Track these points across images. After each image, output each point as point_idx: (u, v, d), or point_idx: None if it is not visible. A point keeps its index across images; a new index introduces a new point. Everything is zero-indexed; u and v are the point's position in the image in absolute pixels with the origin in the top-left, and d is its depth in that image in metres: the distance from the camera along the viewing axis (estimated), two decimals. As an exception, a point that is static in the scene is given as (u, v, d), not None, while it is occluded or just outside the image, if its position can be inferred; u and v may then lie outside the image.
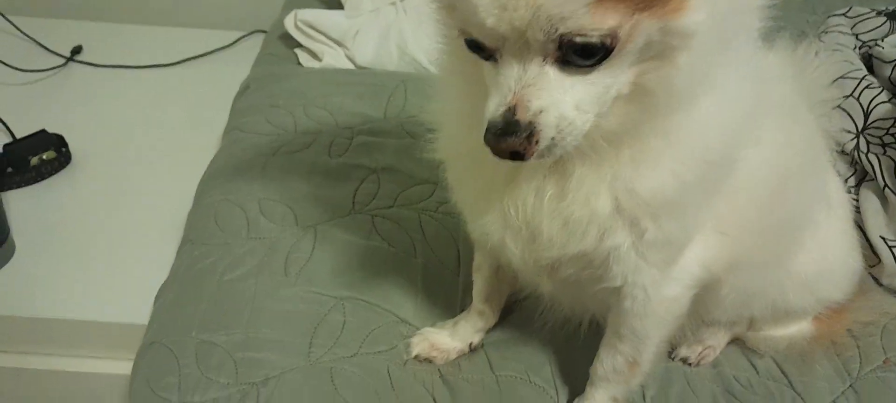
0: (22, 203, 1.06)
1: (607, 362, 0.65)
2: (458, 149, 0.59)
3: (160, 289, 0.81)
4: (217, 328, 0.72)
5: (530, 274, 0.62)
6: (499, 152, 0.45)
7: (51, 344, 0.92)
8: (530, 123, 0.43)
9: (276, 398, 0.66)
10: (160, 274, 0.83)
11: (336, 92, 1.05)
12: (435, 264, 0.81)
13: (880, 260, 0.83)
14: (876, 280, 0.84)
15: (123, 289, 0.91)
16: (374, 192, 0.88)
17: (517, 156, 0.45)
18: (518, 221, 0.55)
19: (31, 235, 1.01)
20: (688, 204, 0.54)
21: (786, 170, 0.61)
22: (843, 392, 0.72)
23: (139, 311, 0.84)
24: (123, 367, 0.81)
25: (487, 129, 0.45)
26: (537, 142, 0.44)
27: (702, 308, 0.67)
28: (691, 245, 0.59)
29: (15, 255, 0.98)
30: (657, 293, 0.59)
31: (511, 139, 0.44)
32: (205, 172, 0.96)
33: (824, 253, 0.72)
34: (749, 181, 0.58)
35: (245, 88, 1.11)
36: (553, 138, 0.44)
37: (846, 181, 0.91)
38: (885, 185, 0.87)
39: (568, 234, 0.54)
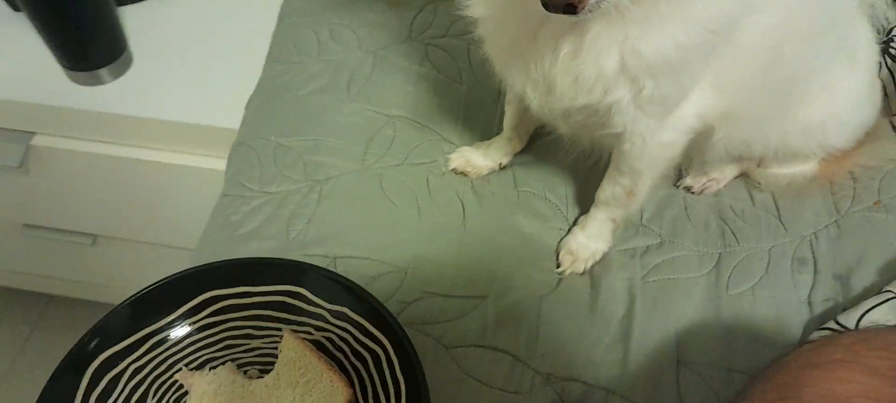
0: (136, 18, 1.22)
1: (608, 190, 0.76)
2: (490, 7, 0.65)
3: (249, 99, 0.96)
4: (291, 134, 0.87)
5: (547, 118, 0.72)
6: (553, 4, 0.47)
7: (162, 141, 1.10)
8: None
9: (335, 193, 0.82)
10: (253, 85, 0.97)
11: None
12: (477, 91, 0.92)
13: (903, 111, 0.87)
14: (894, 128, 0.88)
15: (222, 97, 1.03)
16: (430, 21, 0.98)
17: (570, 8, 0.47)
18: (537, 74, 0.64)
19: (146, 47, 1.18)
20: (685, 66, 0.61)
21: (788, 33, 0.65)
22: (826, 226, 0.79)
23: (235, 116, 0.98)
24: (220, 163, 0.98)
25: None
26: None
27: (696, 150, 0.75)
28: (691, 96, 0.67)
29: (133, 64, 1.16)
30: (653, 138, 0.68)
31: None
32: (284, -1, 1.07)
33: (835, 106, 0.77)
34: (749, 44, 0.63)
35: None
36: None
37: (891, 30, 0.92)
38: (926, 37, 0.87)
39: (577, 88, 0.62)
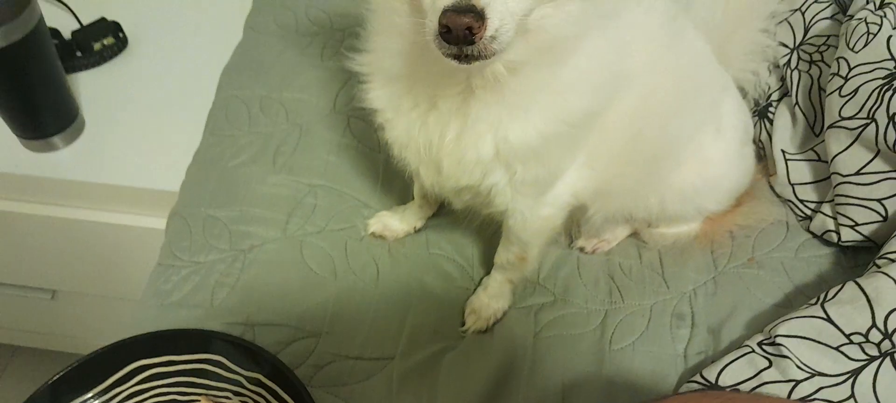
0: (88, 85, 1.29)
1: (502, 255, 0.84)
2: (387, 101, 0.72)
3: (187, 170, 1.04)
4: (220, 205, 0.94)
5: (441, 195, 0.80)
6: (456, 28, 0.51)
7: (114, 203, 1.16)
8: (482, 9, 0.51)
9: (258, 262, 0.89)
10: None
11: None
12: (394, 161, 0.99)
13: (776, 171, 0.95)
14: (772, 188, 0.97)
15: (170, 161, 1.08)
16: (352, 95, 1.05)
17: (468, 39, 0.51)
18: (427, 157, 0.72)
19: (98, 111, 1.24)
20: (549, 153, 0.69)
21: (646, 116, 0.73)
22: (704, 283, 0.87)
23: (177, 180, 1.05)
24: (159, 223, 1.04)
25: (446, 9, 0.51)
26: (486, 27, 0.51)
27: (578, 219, 0.83)
28: (567, 175, 0.75)
29: (85, 130, 1.23)
30: (533, 214, 0.76)
31: (467, 17, 0.51)
32: (224, 67, 1.15)
33: (706, 172, 0.85)
34: (613, 128, 0.72)
35: (262, -15, 1.27)
36: (497, 29, 0.52)
37: (769, 96, 1.01)
38: (796, 103, 0.96)
39: (461, 170, 0.70)
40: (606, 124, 0.71)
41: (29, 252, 1.28)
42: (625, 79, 0.69)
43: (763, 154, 0.98)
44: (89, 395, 0.73)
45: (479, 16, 0.51)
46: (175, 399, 0.76)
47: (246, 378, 0.75)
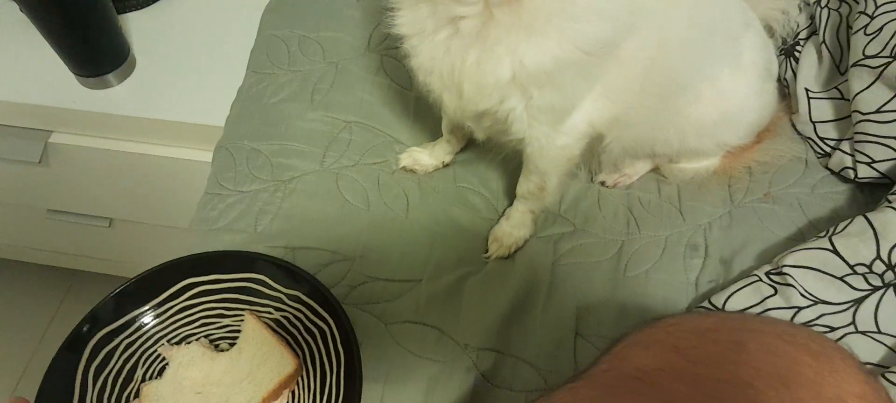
0: (138, 24, 1.36)
1: (523, 185, 0.89)
2: (413, 25, 0.76)
3: (231, 106, 1.10)
4: (262, 138, 1.01)
5: (462, 120, 0.84)
6: None
7: (164, 138, 1.24)
8: None
9: (297, 192, 0.95)
10: (241, 87, 1.09)
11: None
12: (425, 97, 1.04)
13: (798, 110, 0.97)
14: (793, 126, 0.98)
15: (215, 97, 1.14)
16: (385, 35, 1.10)
17: None
18: (450, 82, 0.76)
19: (148, 50, 1.31)
20: (564, 79, 0.72)
21: (663, 47, 0.76)
22: (719, 217, 0.91)
23: (225, 116, 1.12)
24: (206, 156, 1.10)
25: None
26: None
27: (596, 151, 0.87)
28: (584, 104, 0.79)
29: (136, 68, 1.30)
30: (550, 143, 0.80)
31: None
32: (265, 7, 1.20)
33: (725, 107, 0.87)
34: (629, 57, 0.75)
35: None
36: None
37: (798, 35, 1.01)
38: (823, 41, 0.97)
39: (480, 94, 0.74)
40: (622, 55, 0.74)
41: (87, 183, 1.38)
42: (640, 12, 0.72)
43: (787, 92, 1.00)
44: (146, 308, 0.81)
45: None
46: (222, 313, 0.84)
47: (287, 295, 0.82)
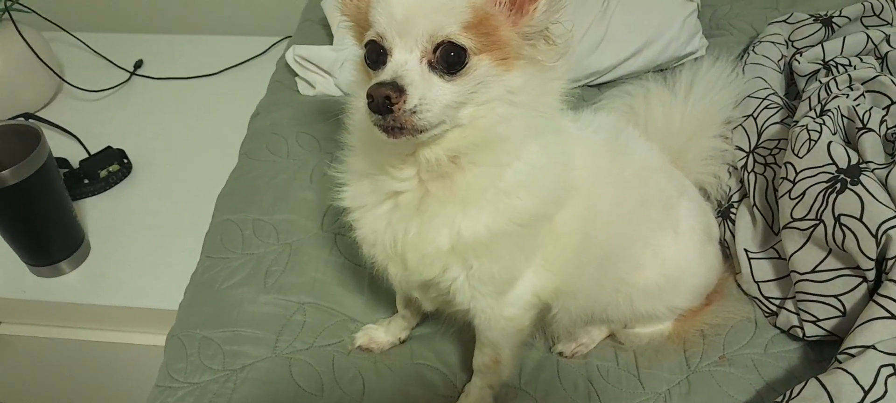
0: (94, 209, 1.36)
1: (478, 358, 0.88)
2: (356, 199, 0.79)
3: (185, 291, 1.09)
4: (214, 325, 0.99)
5: (409, 291, 0.85)
6: (376, 96, 0.61)
7: (114, 323, 1.22)
8: (403, 87, 0.61)
9: (249, 380, 0.93)
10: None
11: (322, 119, 1.29)
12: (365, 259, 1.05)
13: (741, 270, 1.00)
14: (739, 286, 1.01)
15: (169, 281, 1.14)
16: (338, 214, 1.12)
17: (388, 108, 0.61)
18: (393, 252, 0.78)
19: (102, 234, 1.30)
20: (501, 250, 0.75)
21: (594, 220, 0.79)
22: (678, 383, 0.90)
23: (179, 298, 1.09)
24: (160, 339, 1.06)
25: (372, 85, 0.62)
26: (405, 100, 0.61)
27: (547, 321, 0.88)
28: (526, 275, 0.80)
29: (90, 253, 1.29)
30: (496, 314, 0.80)
31: (387, 87, 0.61)
32: (220, 192, 1.22)
33: (669, 272, 0.90)
34: (563, 231, 0.78)
35: (256, 114, 1.37)
36: (416, 105, 0.62)
37: (730, 197, 1.06)
38: (754, 204, 1.02)
39: (423, 264, 0.76)
40: (556, 229, 0.77)
41: (35, 373, 1.32)
42: (569, 189, 0.76)
43: (728, 253, 1.03)
44: None
45: (399, 89, 0.61)
46: None
47: None
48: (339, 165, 0.82)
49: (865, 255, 0.84)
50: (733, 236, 1.02)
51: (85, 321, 1.24)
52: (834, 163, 0.90)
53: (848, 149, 0.93)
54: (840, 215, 0.86)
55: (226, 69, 1.72)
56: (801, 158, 0.93)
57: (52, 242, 1.22)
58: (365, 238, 0.80)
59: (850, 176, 0.89)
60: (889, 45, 1.16)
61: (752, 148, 1.07)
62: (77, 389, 1.34)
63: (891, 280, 0.81)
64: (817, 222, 0.88)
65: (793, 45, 1.25)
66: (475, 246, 0.73)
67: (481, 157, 0.70)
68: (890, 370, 0.75)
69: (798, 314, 0.91)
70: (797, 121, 1.00)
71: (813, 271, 0.89)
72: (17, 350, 1.27)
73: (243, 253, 1.09)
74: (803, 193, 0.91)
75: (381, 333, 0.98)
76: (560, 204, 0.76)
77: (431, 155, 0.68)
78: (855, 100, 1.03)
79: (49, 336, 1.25)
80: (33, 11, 1.63)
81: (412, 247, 0.75)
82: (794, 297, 0.92)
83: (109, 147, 1.45)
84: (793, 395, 0.79)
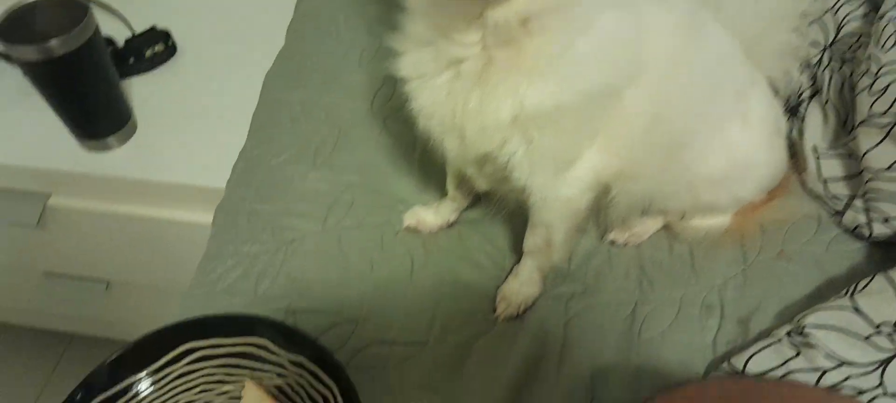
0: (139, 89, 1.36)
1: (530, 240, 0.87)
2: (415, 68, 0.76)
3: (233, 167, 1.09)
4: (263, 200, 0.99)
5: (464, 167, 0.83)
6: None
7: (164, 200, 1.23)
8: None
9: (298, 253, 0.93)
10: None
11: (372, 1, 1.24)
12: (429, 157, 1.03)
13: (807, 168, 0.96)
14: (803, 184, 0.97)
15: (215, 159, 1.13)
16: (389, 95, 1.10)
17: None
18: (451, 125, 0.75)
19: (149, 113, 1.32)
20: (565, 124, 0.71)
21: (666, 102, 0.75)
22: (733, 276, 0.89)
23: (225, 177, 1.09)
24: (206, 218, 1.08)
25: None
26: None
27: (603, 206, 0.85)
28: (587, 154, 0.77)
29: (137, 131, 1.30)
30: (553, 194, 0.78)
31: None
32: (267, 72, 1.20)
33: (736, 161, 0.86)
34: (631, 110, 0.74)
35: (304, -7, 1.33)
36: None
37: (801, 94, 1.01)
38: (827, 100, 0.97)
39: (482, 136, 0.73)
40: (624, 107, 0.73)
41: (85, 245, 1.35)
42: (641, 65, 0.72)
43: (794, 151, 0.99)
44: (143, 374, 0.78)
45: None
46: (222, 379, 0.80)
47: (288, 360, 0.79)
48: (396, 33, 0.77)
49: (946, 152, 0.80)
50: (801, 133, 0.98)
51: (133, 196, 1.25)
52: (922, 55, 0.85)
53: (936, 42, 0.87)
54: (924, 109, 0.81)
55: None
56: (885, 52, 0.88)
57: (100, 116, 1.22)
58: (422, 109, 0.77)
59: (937, 69, 0.83)
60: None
61: (829, 43, 1.01)
62: (125, 261, 1.37)
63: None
64: (899, 117, 0.84)
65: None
66: (538, 119, 0.69)
67: (554, 23, 0.65)
68: (963, 266, 0.72)
69: (866, 212, 0.88)
70: (883, 14, 0.93)
71: (888, 169, 0.85)
72: (66, 221, 1.29)
73: (292, 131, 1.08)
74: (885, 88, 0.86)
75: (429, 215, 0.97)
76: (631, 81, 0.72)
77: (501, 17, 0.64)
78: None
79: (98, 209, 1.27)
80: None
81: (472, 119, 0.72)
82: (864, 195, 0.89)
83: (154, 27, 1.43)
84: (858, 289, 0.76)
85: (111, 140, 1.25)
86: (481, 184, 0.85)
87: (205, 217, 1.20)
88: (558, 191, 0.78)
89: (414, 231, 0.97)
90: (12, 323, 1.63)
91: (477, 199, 0.98)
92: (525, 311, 0.89)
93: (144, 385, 0.77)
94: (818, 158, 0.95)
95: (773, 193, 0.94)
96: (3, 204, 1.27)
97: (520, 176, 0.76)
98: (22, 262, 1.43)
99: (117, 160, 1.23)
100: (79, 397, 0.72)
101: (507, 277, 0.91)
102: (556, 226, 0.83)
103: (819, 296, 0.84)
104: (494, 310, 0.89)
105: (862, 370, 0.71)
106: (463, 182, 0.94)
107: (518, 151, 0.73)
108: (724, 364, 0.78)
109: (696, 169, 0.85)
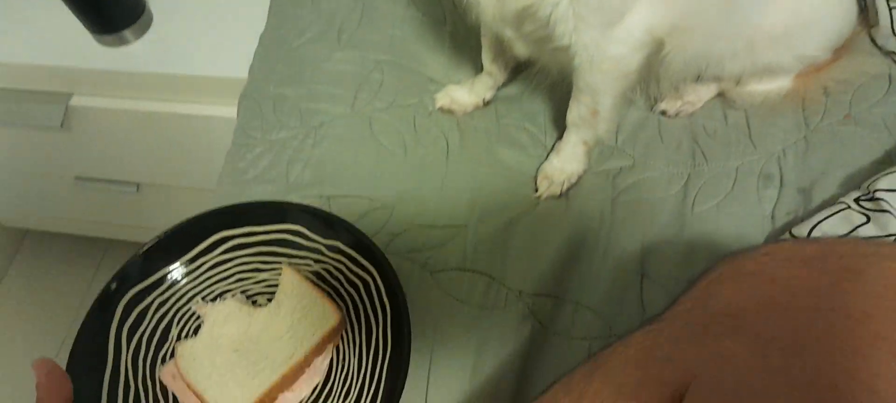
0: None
1: (574, 111, 0.80)
2: None
3: (254, 53, 1.04)
4: (288, 83, 0.94)
5: (501, 28, 0.76)
6: None
7: (187, 93, 1.19)
8: None
9: (328, 137, 0.89)
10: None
11: None
12: (461, 30, 0.96)
13: (879, 22, 0.87)
14: (873, 40, 0.88)
15: (235, 48, 1.08)
16: (415, -36, 1.02)
17: None
18: None
19: (163, 5, 1.26)
20: None
21: None
22: (794, 142, 0.82)
23: (247, 66, 1.04)
24: (232, 111, 1.06)
25: None
26: None
27: (655, 69, 0.78)
28: (637, 8, 0.70)
29: (153, 22, 1.25)
30: (601, 52, 0.70)
31: None
32: (285, -50, 1.12)
33: (799, 11, 0.78)
34: None
35: None
36: None
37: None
38: (906, -55, 0.86)
39: None
40: None
41: (111, 146, 1.33)
42: None
43: (864, 4, 0.90)
44: (177, 264, 0.76)
45: None
46: (258, 267, 0.78)
47: (325, 245, 0.76)
48: None
49: None
50: (873, -17, 0.88)
51: (154, 92, 1.21)
52: None
53: None
54: None
55: None
56: None
57: (114, 8, 1.17)
58: None
59: None
60: None
61: None
62: (152, 160, 1.35)
63: None
64: None
65: None
66: None
67: None
68: None
69: (946, 67, 0.80)
70: None
71: (975, 14, 0.76)
72: (90, 121, 1.26)
73: (313, 8, 1.01)
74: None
75: (463, 93, 0.92)
76: None
77: None
78: None
79: (121, 108, 1.23)
80: None
81: None
82: (945, 48, 0.80)
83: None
84: (936, 149, 0.70)
85: (127, 33, 1.19)
86: (520, 50, 0.78)
87: (229, 111, 1.16)
88: (607, 48, 0.70)
89: (447, 112, 0.92)
90: (50, 231, 1.65)
91: (514, 74, 0.92)
92: (568, 189, 0.84)
93: (179, 275, 0.75)
94: (891, 11, 0.85)
95: (839, 52, 0.85)
96: (26, 106, 1.24)
97: (564, 31, 0.69)
98: (52, 168, 1.42)
99: (135, 54, 1.19)
100: (113, 287, 0.71)
101: (548, 155, 0.86)
102: (604, 92, 0.76)
103: (889, 161, 0.78)
104: (536, 190, 0.85)
105: (940, 233, 0.65)
106: (499, 53, 0.87)
107: (561, 2, 0.66)
108: (785, 235, 0.73)
109: (756, 21, 0.77)
